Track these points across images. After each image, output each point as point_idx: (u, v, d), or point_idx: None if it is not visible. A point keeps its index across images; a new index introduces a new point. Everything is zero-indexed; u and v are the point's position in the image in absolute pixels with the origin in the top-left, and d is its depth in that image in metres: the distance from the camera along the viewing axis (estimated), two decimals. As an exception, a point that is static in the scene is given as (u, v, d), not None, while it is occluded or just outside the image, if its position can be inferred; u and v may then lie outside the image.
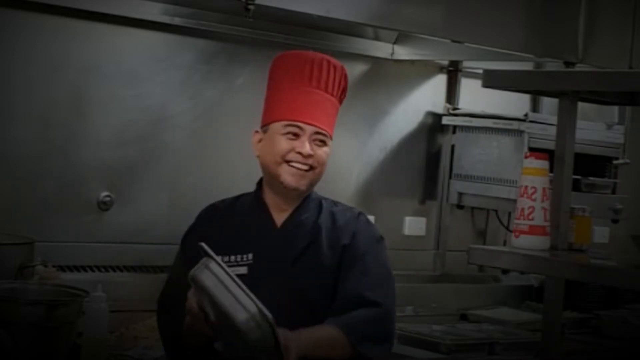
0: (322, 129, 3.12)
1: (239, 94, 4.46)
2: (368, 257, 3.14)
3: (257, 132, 3.24)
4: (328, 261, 3.14)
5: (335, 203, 3.28)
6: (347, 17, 4.02)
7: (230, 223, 3.24)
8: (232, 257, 3.15)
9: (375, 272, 3.13)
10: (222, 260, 3.08)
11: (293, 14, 3.96)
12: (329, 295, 3.13)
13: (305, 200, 3.21)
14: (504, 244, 5.19)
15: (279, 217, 3.21)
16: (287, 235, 3.17)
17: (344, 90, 3.23)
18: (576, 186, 4.39)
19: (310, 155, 3.11)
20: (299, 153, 3.11)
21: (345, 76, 3.23)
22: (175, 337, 3.10)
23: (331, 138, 3.17)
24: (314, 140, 3.12)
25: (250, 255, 3.15)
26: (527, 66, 4.91)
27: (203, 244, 2.83)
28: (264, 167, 3.21)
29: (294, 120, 3.11)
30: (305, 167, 3.12)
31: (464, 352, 4.28)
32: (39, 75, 3.95)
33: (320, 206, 3.23)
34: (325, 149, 3.14)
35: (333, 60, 3.23)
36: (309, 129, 3.11)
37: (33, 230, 3.78)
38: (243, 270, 3.13)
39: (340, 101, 3.22)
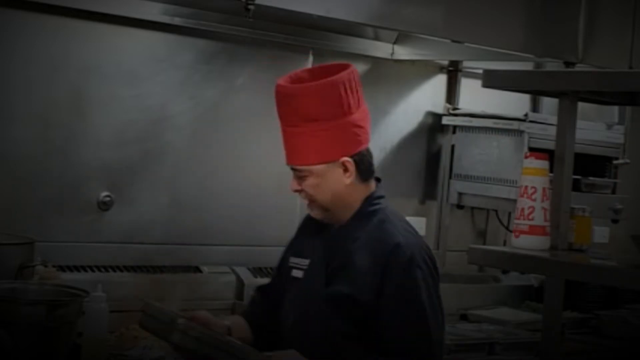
0: (296, 166, 3.03)
1: (239, 94, 4.46)
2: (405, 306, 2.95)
3: None
4: (361, 279, 2.98)
5: (388, 218, 3.08)
6: (347, 17, 4.02)
7: (306, 228, 3.22)
8: (297, 260, 3.15)
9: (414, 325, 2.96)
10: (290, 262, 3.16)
11: (293, 14, 3.96)
12: (357, 314, 2.98)
13: (357, 213, 3.07)
14: (504, 244, 5.19)
15: (334, 228, 3.12)
16: (331, 245, 3.07)
17: (314, 107, 2.97)
18: (576, 186, 4.39)
19: (298, 191, 3.07)
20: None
21: (314, 93, 2.98)
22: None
23: (315, 163, 3.00)
24: (298, 177, 3.05)
25: (307, 261, 3.11)
26: (527, 66, 4.91)
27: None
28: None
29: (287, 163, 3.10)
30: (307, 201, 3.09)
31: (464, 352, 4.29)
32: (39, 75, 3.95)
33: (370, 220, 3.06)
34: (309, 181, 3.02)
35: (291, 88, 3.03)
36: (293, 169, 3.07)
37: (33, 230, 3.78)
38: (299, 274, 3.11)
39: (313, 118, 2.97)
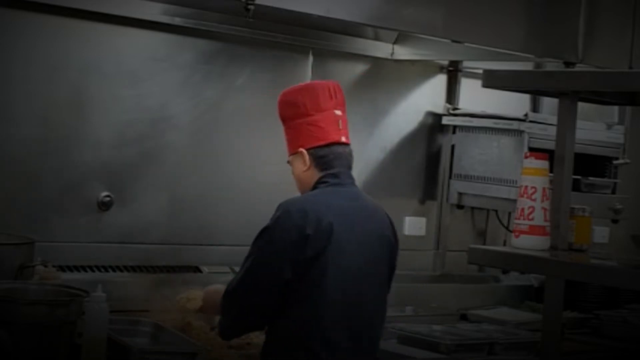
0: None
1: (239, 94, 4.46)
2: None
3: None
4: None
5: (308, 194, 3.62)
6: (347, 17, 4.02)
7: None
8: None
9: None
10: None
11: (293, 14, 3.96)
12: None
13: None
14: (504, 244, 5.19)
15: None
16: None
17: (282, 110, 3.60)
18: (576, 186, 4.39)
19: None
20: None
21: (281, 99, 3.59)
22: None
23: (289, 154, 3.56)
24: None
25: None
26: (527, 66, 4.91)
27: None
28: None
29: None
30: None
31: (464, 352, 4.28)
32: (39, 75, 3.95)
33: None
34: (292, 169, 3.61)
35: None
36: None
37: (33, 230, 3.78)
38: None
39: (284, 119, 3.59)
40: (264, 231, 3.40)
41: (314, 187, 3.50)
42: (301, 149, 3.50)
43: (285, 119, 3.57)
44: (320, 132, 3.51)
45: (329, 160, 3.50)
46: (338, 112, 3.54)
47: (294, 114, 3.52)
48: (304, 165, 3.50)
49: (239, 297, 3.40)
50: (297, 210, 3.36)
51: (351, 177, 3.55)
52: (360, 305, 3.42)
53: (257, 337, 3.91)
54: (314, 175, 3.50)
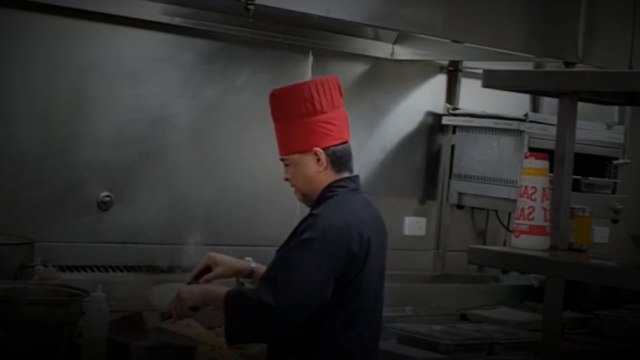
0: (281, 156, 3.47)
1: (239, 94, 4.46)
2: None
3: None
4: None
5: (332, 201, 3.40)
6: (347, 17, 4.02)
7: None
8: None
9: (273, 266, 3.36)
10: None
11: (293, 14, 3.96)
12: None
13: (318, 198, 3.42)
14: (504, 244, 5.19)
15: None
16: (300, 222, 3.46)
17: (282, 108, 3.42)
18: (576, 186, 4.39)
19: (286, 179, 3.47)
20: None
21: (286, 94, 3.41)
22: None
23: (294, 152, 3.40)
24: (285, 166, 3.47)
25: None
26: (527, 66, 4.91)
27: None
28: None
29: None
30: (293, 187, 3.47)
31: (464, 352, 4.29)
32: (39, 75, 3.95)
33: (323, 203, 3.43)
34: (290, 168, 3.44)
35: (273, 90, 3.46)
36: (280, 159, 3.50)
37: (33, 230, 3.78)
38: None
39: (291, 115, 3.39)
40: (312, 241, 3.24)
41: (327, 190, 3.37)
42: (317, 149, 3.36)
43: (292, 115, 3.38)
44: (336, 130, 3.39)
45: (345, 161, 3.41)
46: (344, 109, 3.45)
47: (307, 110, 3.36)
48: (319, 165, 3.36)
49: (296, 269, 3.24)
50: (341, 224, 3.26)
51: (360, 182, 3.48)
52: (377, 312, 3.43)
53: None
54: (329, 176, 3.38)
